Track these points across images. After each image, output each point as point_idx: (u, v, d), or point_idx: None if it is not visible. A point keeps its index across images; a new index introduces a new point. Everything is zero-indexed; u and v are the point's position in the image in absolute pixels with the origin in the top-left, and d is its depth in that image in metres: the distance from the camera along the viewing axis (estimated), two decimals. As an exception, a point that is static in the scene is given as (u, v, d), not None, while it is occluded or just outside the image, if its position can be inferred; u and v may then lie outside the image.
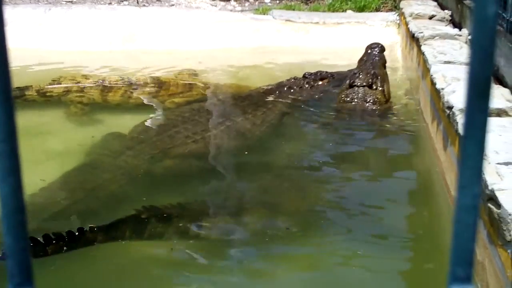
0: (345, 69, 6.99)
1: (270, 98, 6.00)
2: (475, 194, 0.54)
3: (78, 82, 6.48)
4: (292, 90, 6.19)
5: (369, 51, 6.36)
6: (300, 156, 5.08)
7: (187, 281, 3.49)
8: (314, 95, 6.16)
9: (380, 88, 5.94)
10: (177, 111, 5.75)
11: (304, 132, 5.58)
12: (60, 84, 6.46)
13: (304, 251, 3.74)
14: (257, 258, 3.68)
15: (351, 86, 5.92)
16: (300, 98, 6.08)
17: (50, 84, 6.45)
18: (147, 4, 9.31)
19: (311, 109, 5.92)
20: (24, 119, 5.88)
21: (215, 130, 5.26)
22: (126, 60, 7.78)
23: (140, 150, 4.90)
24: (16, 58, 7.35)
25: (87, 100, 6.28)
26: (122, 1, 9.45)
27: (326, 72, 6.45)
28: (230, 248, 3.77)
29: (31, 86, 6.39)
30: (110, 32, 8.38)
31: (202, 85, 6.62)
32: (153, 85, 6.47)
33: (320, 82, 6.31)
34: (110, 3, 9.28)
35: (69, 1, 9.27)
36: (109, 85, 6.43)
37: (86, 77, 6.64)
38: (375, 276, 3.47)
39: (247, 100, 5.97)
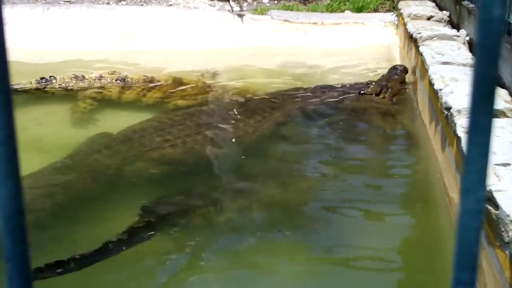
0: (343, 70, 6.99)
1: (270, 106, 5.88)
2: (480, 198, 0.53)
3: (101, 78, 6.55)
4: (295, 99, 6.11)
5: (390, 70, 6.41)
6: (293, 157, 5.02)
7: (179, 284, 3.48)
8: (317, 105, 6.08)
9: (388, 97, 6.06)
10: (171, 113, 5.66)
11: (300, 135, 5.52)
12: (84, 78, 6.55)
13: (296, 253, 3.72)
14: (247, 260, 3.65)
15: (361, 94, 6.11)
16: (302, 107, 5.98)
17: (73, 78, 6.56)
18: (145, 4, 9.30)
19: (312, 117, 5.84)
20: (33, 113, 6.03)
21: (199, 136, 5.12)
22: (123, 60, 7.76)
23: (117, 150, 4.83)
24: (13, 58, 7.33)
25: (102, 96, 6.33)
26: (120, 1, 9.43)
27: (338, 85, 6.42)
28: (219, 250, 3.74)
29: (55, 78, 6.52)
30: (107, 32, 8.37)
31: (220, 88, 6.56)
32: (172, 84, 6.48)
33: (329, 94, 6.24)
34: (108, 3, 9.26)
35: (67, 1, 9.24)
36: (130, 82, 6.48)
37: (111, 73, 6.70)
38: (370, 279, 3.46)
39: (244, 106, 5.87)
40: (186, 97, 6.28)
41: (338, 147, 5.23)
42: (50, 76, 6.54)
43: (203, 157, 4.94)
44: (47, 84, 6.48)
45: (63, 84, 6.50)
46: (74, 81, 6.53)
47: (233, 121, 5.49)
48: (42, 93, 6.42)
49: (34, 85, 6.45)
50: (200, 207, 4.06)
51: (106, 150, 4.83)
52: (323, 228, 3.96)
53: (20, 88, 6.41)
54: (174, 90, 6.39)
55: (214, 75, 7.08)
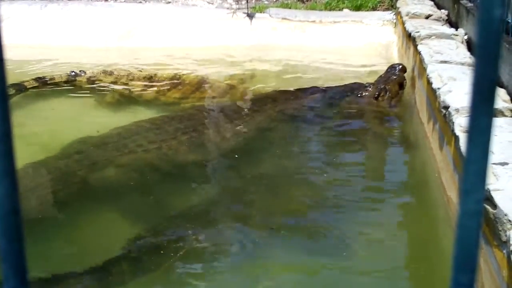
0: (341, 68, 6.97)
1: (251, 110, 5.72)
2: (479, 199, 0.53)
3: (129, 75, 6.64)
4: (276, 103, 5.88)
5: (388, 70, 6.23)
6: (281, 163, 4.86)
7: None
8: (300, 108, 5.85)
9: (386, 100, 5.91)
10: (155, 117, 5.45)
11: (291, 140, 5.36)
12: (113, 73, 6.67)
13: (291, 252, 3.70)
14: (241, 260, 3.63)
15: (358, 97, 5.94)
16: (292, 110, 5.78)
17: (102, 72, 6.70)
18: (143, 1, 9.28)
19: (305, 121, 5.69)
20: (48, 105, 6.16)
21: (174, 141, 4.91)
22: (121, 57, 7.75)
23: (88, 155, 4.65)
24: (11, 54, 7.34)
25: (125, 92, 6.37)
26: (118, -2, 9.41)
27: (318, 87, 6.20)
28: (215, 250, 3.71)
29: (85, 72, 6.69)
30: (106, 29, 8.36)
31: (242, 90, 6.43)
32: (194, 85, 6.44)
33: (308, 97, 6.02)
34: (106, 0, 9.24)
35: (65, -2, 9.23)
36: (156, 80, 6.52)
37: (140, 70, 6.80)
38: (368, 280, 3.46)
39: (226, 110, 5.72)
40: (205, 99, 6.19)
41: (334, 151, 5.14)
42: (80, 70, 6.69)
43: (178, 163, 4.75)
44: (76, 78, 6.63)
45: (92, 79, 6.64)
46: (102, 76, 6.65)
47: (212, 125, 5.33)
48: (71, 86, 6.57)
49: (64, 78, 6.62)
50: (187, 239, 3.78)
51: (77, 154, 4.65)
52: (320, 230, 3.94)
53: (50, 81, 6.58)
54: (194, 91, 6.32)
55: (251, 78, 6.95)
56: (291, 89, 6.24)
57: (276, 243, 3.76)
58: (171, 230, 3.85)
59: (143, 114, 5.77)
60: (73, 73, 6.65)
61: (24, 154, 4.55)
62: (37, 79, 6.54)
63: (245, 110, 5.74)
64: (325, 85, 6.37)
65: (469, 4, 6.09)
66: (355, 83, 6.26)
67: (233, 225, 3.95)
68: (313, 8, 9.12)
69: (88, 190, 4.34)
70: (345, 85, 6.27)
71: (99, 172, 4.48)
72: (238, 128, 5.33)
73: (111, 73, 6.65)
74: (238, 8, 8.82)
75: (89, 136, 5.03)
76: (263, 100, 5.98)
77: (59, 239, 3.74)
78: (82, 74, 6.65)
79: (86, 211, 4.05)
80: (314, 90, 6.14)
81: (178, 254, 3.59)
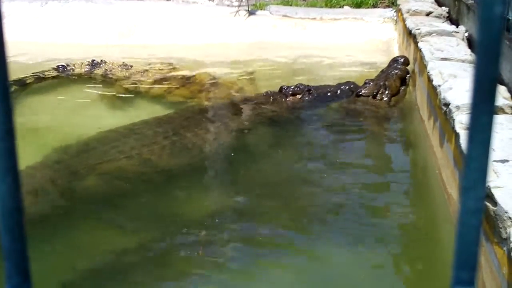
0: (341, 65, 6.95)
1: (232, 112, 5.64)
2: (479, 196, 0.53)
3: (145, 71, 6.70)
4: (255, 105, 5.76)
5: (391, 63, 6.14)
6: (282, 162, 4.82)
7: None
8: (280, 111, 5.70)
9: (385, 99, 5.81)
10: (135, 122, 5.25)
11: (284, 141, 5.29)
12: (131, 67, 6.73)
13: (294, 253, 3.70)
14: (238, 263, 3.61)
15: (357, 95, 5.85)
16: (263, 113, 5.63)
17: (120, 65, 6.78)
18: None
19: (275, 124, 5.55)
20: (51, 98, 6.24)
21: (156, 146, 4.76)
22: (122, 54, 7.74)
23: (68, 164, 4.49)
24: (13, 51, 7.36)
25: (134, 88, 6.38)
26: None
27: (305, 86, 6.00)
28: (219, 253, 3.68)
29: (105, 62, 6.79)
30: (106, 26, 8.36)
31: (251, 90, 6.35)
32: (202, 84, 6.41)
33: (291, 98, 5.89)
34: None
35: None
36: (168, 78, 6.54)
37: (161, 69, 6.84)
38: (368, 276, 3.46)
39: (206, 112, 5.63)
40: (212, 99, 6.13)
41: (331, 150, 5.07)
42: (101, 60, 6.80)
43: (161, 168, 4.62)
44: (93, 69, 6.74)
45: (107, 72, 6.70)
46: (119, 69, 6.71)
47: (193, 129, 5.19)
48: (87, 78, 6.70)
49: (83, 68, 6.76)
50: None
51: (57, 164, 4.48)
52: (320, 230, 3.94)
53: (70, 70, 6.73)
54: (201, 90, 6.28)
55: (252, 79, 6.93)
56: (301, 86, 6.05)
57: (275, 244, 3.77)
58: (160, 238, 3.80)
59: (146, 111, 5.76)
60: (94, 62, 6.76)
61: (27, 151, 4.54)
62: (57, 68, 6.71)
63: (227, 112, 5.65)
64: (324, 83, 6.34)
65: (470, 1, 6.08)
66: (347, 82, 6.17)
67: (225, 229, 3.92)
68: (313, 5, 9.12)
69: (69, 200, 4.22)
70: (333, 85, 6.13)
71: (80, 182, 4.34)
72: (217, 131, 5.22)
73: (129, 68, 6.72)
74: (239, 6, 8.82)
75: (69, 145, 4.84)
76: (244, 102, 5.88)
77: (39, 250, 3.66)
78: (102, 66, 6.74)
79: (67, 221, 3.96)
80: (296, 90, 5.97)
81: (170, 262, 3.57)
